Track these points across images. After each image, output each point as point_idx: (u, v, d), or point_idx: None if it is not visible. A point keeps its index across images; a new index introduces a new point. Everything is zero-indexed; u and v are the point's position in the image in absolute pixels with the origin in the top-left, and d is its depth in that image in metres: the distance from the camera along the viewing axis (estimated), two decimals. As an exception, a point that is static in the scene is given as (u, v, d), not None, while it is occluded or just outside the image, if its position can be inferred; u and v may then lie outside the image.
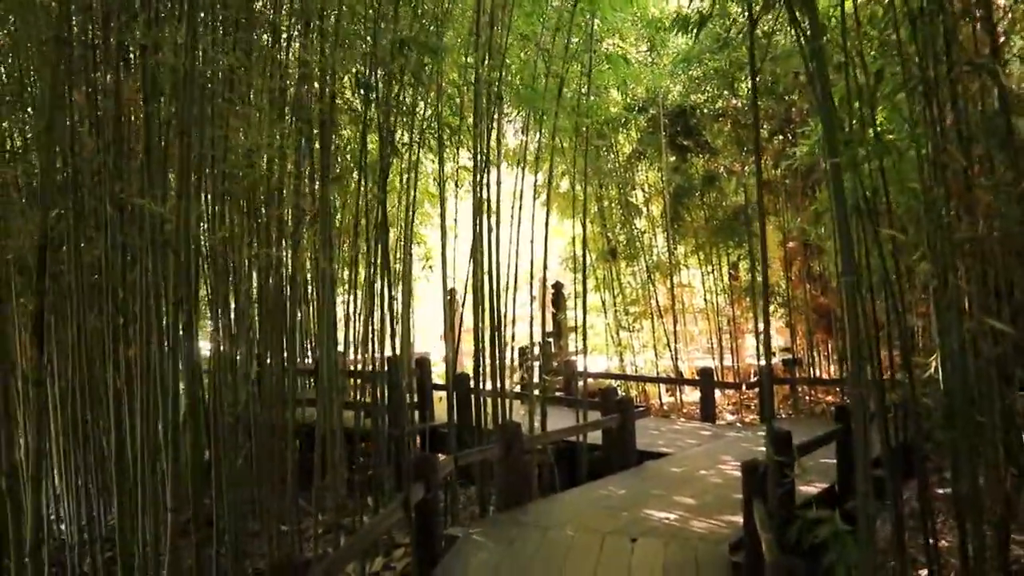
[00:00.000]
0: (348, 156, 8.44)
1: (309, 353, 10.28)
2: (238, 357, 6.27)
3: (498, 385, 8.38)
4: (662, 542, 5.65)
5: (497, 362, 8.36)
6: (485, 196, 8.10)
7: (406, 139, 8.15)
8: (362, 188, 7.43)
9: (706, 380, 10.82)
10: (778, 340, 14.26)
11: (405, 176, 8.62)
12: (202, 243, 6.13)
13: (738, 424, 11.33)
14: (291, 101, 6.80)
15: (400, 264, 9.57)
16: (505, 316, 8.78)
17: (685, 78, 12.51)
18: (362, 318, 7.91)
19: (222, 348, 6.01)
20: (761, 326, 13.91)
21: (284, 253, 6.50)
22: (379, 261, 7.43)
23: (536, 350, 12.98)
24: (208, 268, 6.24)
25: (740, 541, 5.59)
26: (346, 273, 9.30)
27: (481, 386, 8.34)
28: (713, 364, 13.48)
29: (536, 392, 8.99)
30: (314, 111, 6.69)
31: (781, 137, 12.30)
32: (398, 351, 8.53)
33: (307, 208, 7.21)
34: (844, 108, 5.50)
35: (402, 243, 9.49)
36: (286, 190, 6.68)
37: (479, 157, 8.04)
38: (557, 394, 11.25)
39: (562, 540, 5.78)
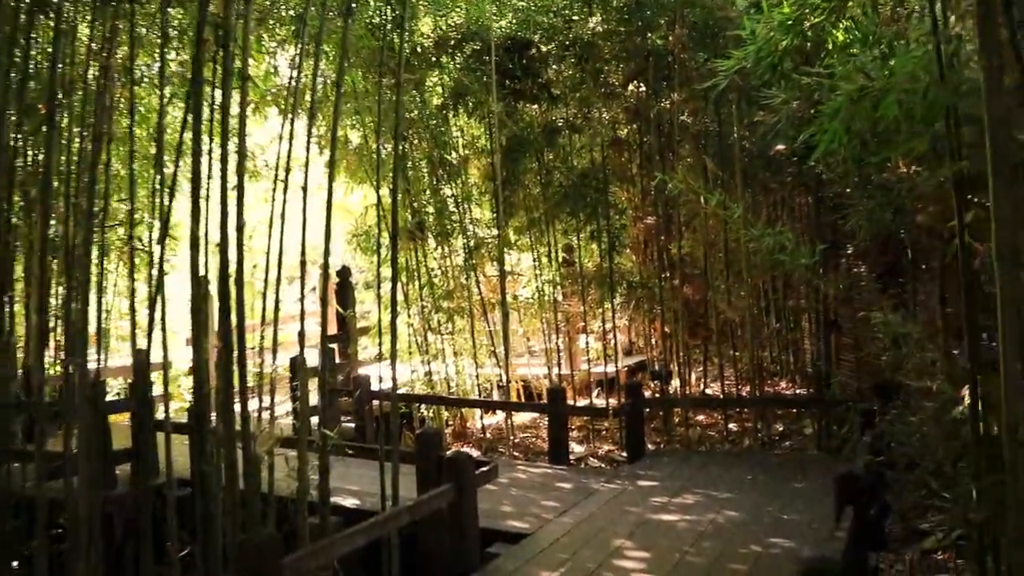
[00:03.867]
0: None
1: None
2: None
3: (253, 422, 4.96)
4: None
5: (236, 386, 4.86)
6: (246, 147, 4.76)
7: None
8: None
9: (557, 404, 7.74)
10: (617, 342, 11.61)
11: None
12: None
13: (592, 461, 8.39)
14: None
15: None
16: (264, 315, 5.51)
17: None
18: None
19: None
20: (627, 326, 11.21)
21: None
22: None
23: (314, 361, 9.58)
24: None
25: None
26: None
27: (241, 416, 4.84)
28: (543, 372, 10.59)
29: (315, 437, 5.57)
30: None
31: (641, 84, 9.53)
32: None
33: None
34: None
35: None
36: None
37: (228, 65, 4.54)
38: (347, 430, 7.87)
39: None
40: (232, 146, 4.79)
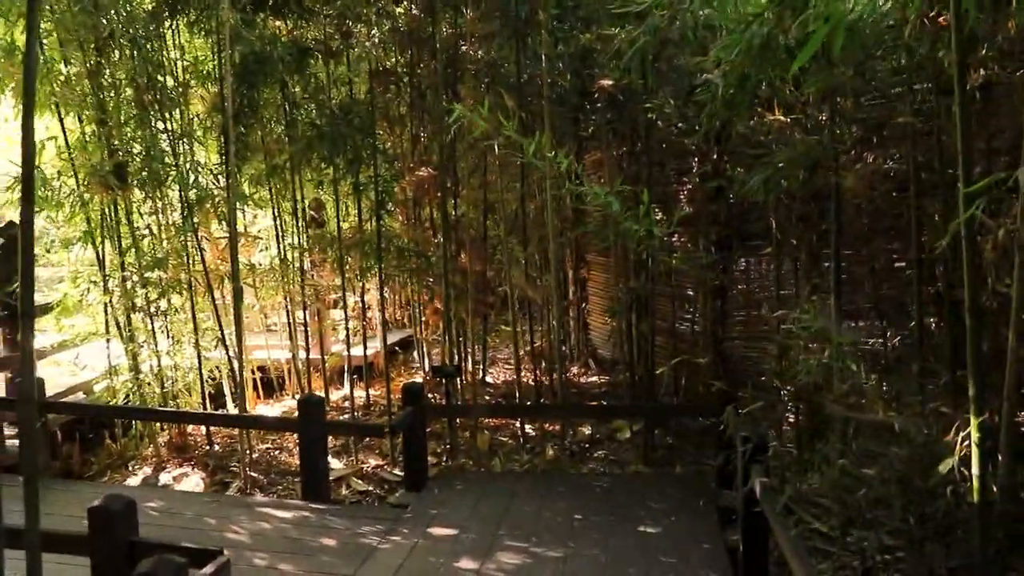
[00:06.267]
0: None
1: None
2: None
3: None
4: None
5: None
6: None
7: None
8: None
9: (312, 422, 5.69)
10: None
11: None
12: None
13: (358, 483, 6.46)
14: None
15: None
16: None
17: None
18: None
19: None
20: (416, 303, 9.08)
21: None
22: None
23: None
24: None
25: None
26: None
27: None
28: (286, 356, 8.58)
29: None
30: None
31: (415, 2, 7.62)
32: None
33: None
34: None
35: None
36: None
37: None
38: None
39: None
40: None
